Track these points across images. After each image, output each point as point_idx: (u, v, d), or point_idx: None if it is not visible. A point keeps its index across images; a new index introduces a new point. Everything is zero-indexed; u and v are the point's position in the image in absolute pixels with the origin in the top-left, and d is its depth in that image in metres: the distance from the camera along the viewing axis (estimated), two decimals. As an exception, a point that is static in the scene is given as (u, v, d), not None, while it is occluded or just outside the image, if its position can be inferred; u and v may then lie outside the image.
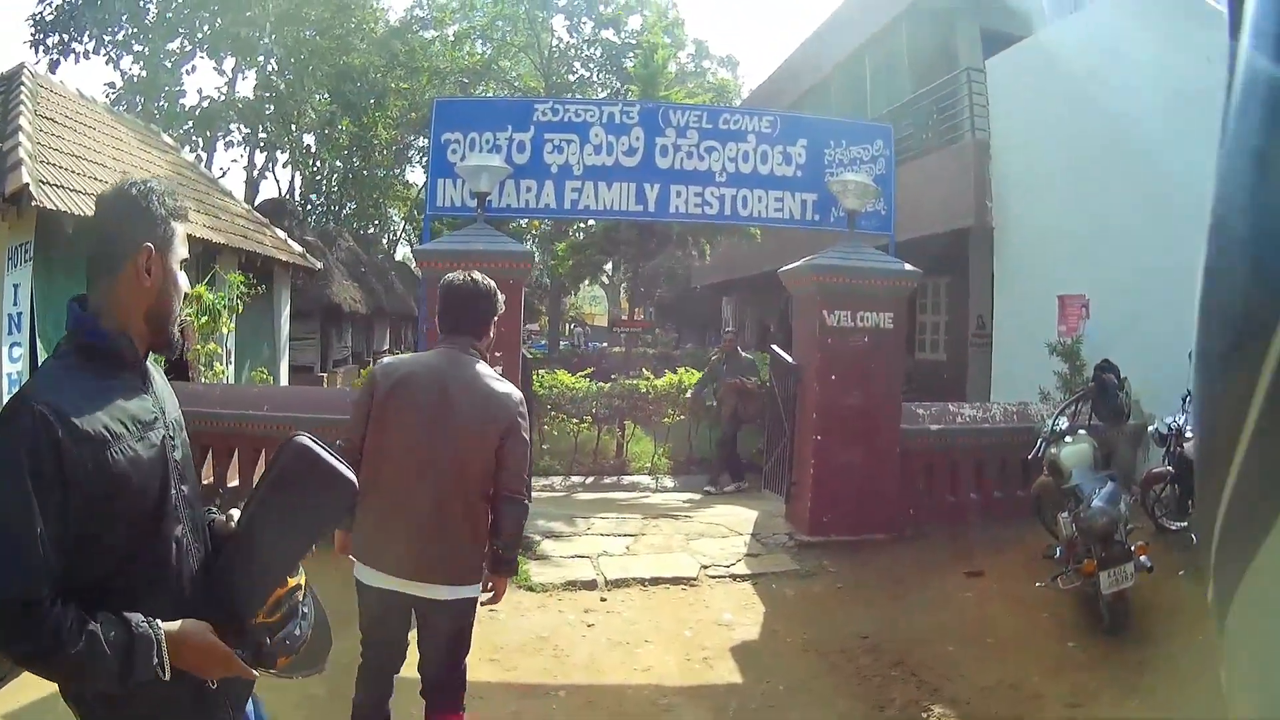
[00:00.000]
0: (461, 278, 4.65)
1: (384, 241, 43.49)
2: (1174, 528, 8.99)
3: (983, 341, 16.96)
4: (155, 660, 2.24)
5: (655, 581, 8.51)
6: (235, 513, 2.70)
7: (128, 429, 2.35)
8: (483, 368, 4.48)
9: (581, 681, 6.27)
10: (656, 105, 12.58)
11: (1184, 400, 9.09)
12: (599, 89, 27.70)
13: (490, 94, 29.51)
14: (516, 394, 4.43)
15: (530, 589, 8.22)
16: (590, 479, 13.28)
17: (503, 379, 4.50)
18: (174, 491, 2.48)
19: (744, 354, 14.11)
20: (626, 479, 13.37)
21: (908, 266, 10.21)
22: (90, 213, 10.41)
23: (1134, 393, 9.73)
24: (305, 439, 2.66)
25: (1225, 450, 0.97)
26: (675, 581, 8.63)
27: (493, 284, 4.73)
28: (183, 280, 2.58)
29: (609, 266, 22.85)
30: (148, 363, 2.59)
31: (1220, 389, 1.03)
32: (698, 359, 19.16)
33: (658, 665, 6.86)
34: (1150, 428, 9.80)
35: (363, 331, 29.85)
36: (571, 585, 8.35)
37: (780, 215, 11.50)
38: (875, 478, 9.74)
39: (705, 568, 8.96)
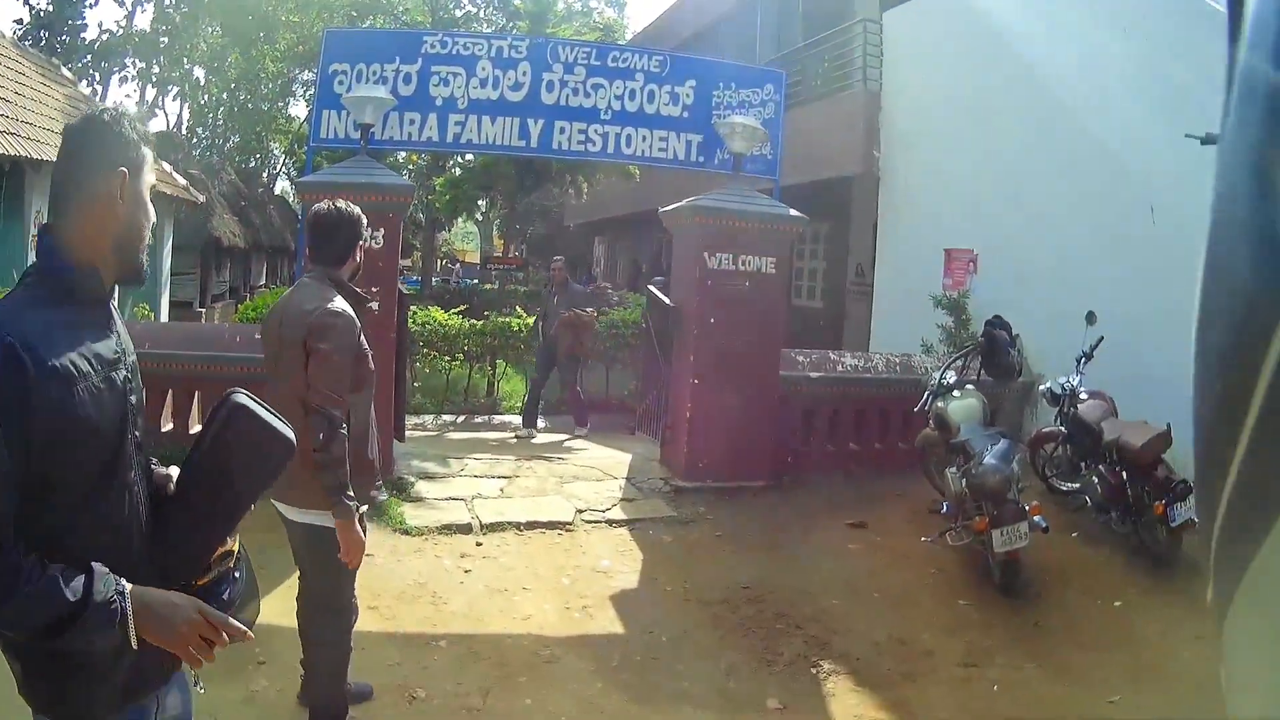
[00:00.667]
0: (325, 206, 4.64)
1: (264, 175, 42.87)
2: (1065, 489, 9.08)
3: (862, 290, 17.00)
4: (116, 616, 2.12)
5: (531, 526, 8.38)
6: (175, 470, 2.58)
7: (93, 367, 2.24)
8: (314, 290, 4.48)
9: (461, 631, 6.14)
10: (546, 40, 12.46)
11: (1078, 361, 9.14)
12: (485, 25, 27.40)
13: (379, 27, 29.22)
14: (320, 307, 4.34)
15: (406, 532, 8.04)
16: (462, 418, 13.08)
17: (323, 297, 4.42)
18: (130, 436, 2.37)
19: (575, 285, 13.75)
20: (498, 419, 13.19)
21: (793, 212, 10.12)
22: (3, 148, 9.90)
23: (1024, 350, 9.79)
24: (243, 396, 2.57)
25: (1225, 450, 0.97)
26: (551, 526, 8.51)
27: (355, 211, 4.68)
28: (150, 207, 2.43)
29: (484, 203, 22.61)
30: (112, 301, 2.43)
31: (1220, 389, 1.01)
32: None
33: (537, 614, 6.79)
34: (1041, 387, 9.75)
35: (241, 266, 29.38)
36: (447, 529, 8.19)
37: (664, 155, 11.44)
38: (753, 423, 9.64)
39: (581, 512, 8.87)
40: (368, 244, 9.02)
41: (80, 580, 2.08)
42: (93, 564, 2.12)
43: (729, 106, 11.45)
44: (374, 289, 8.69)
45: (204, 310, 23.87)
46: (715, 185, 10.66)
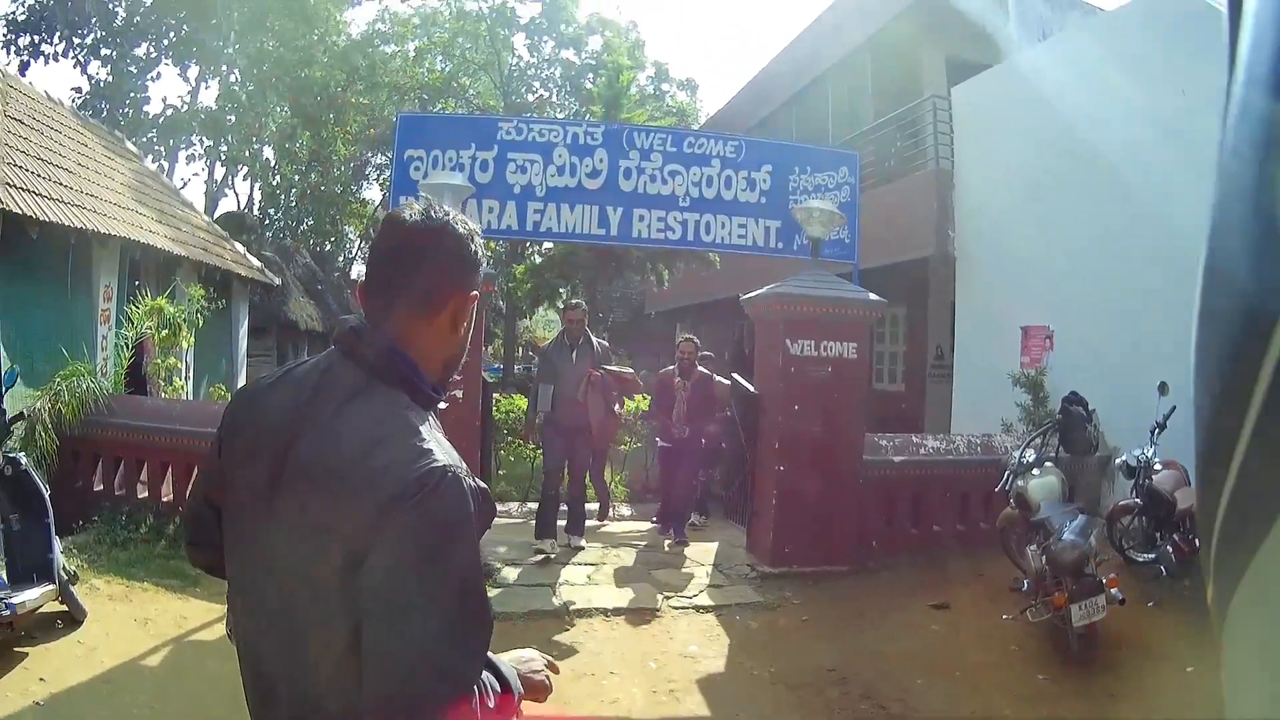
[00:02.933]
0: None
1: (340, 259, 43.10)
2: (1141, 559, 9.02)
3: (942, 372, 16.95)
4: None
5: (618, 611, 8.42)
6: None
7: None
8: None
9: (549, 714, 6.19)
10: (621, 127, 12.55)
11: (1152, 433, 9.12)
12: (558, 109, 27.72)
13: (449, 111, 29.45)
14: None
15: (494, 619, 7.97)
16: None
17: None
18: None
19: (600, 341, 11.16)
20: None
21: (872, 296, 10.17)
22: (70, 220, 10.02)
23: (1100, 424, 9.75)
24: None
25: (1225, 450, 0.98)
26: (638, 612, 8.54)
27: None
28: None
29: (564, 291, 22.73)
30: None
31: (1220, 389, 1.02)
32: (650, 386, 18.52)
33: (624, 698, 6.80)
34: (1117, 459, 9.72)
35: (318, 349, 29.12)
36: (534, 614, 8.24)
37: (744, 241, 11.49)
38: (837, 509, 9.68)
39: (668, 598, 8.89)
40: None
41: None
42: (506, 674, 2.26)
43: (805, 190, 11.54)
44: (456, 376, 9.03)
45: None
46: (794, 270, 10.69)
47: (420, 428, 2.04)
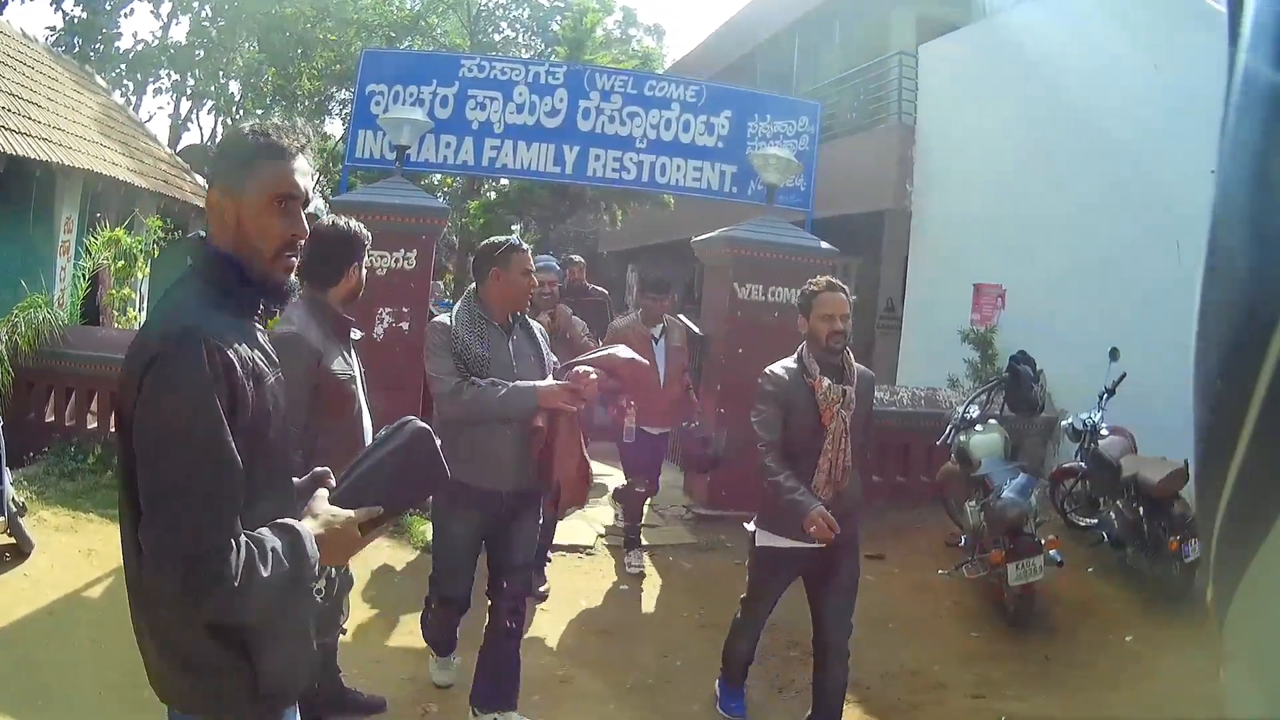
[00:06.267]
0: (322, 225, 4.64)
1: (295, 192, 42.89)
2: (1083, 524, 9.08)
3: (891, 324, 17.01)
4: (310, 555, 2.28)
5: (552, 548, 8.33)
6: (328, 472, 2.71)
7: (265, 364, 2.42)
8: (288, 314, 4.31)
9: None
10: (583, 68, 12.50)
11: (1100, 398, 9.16)
12: (523, 50, 27.42)
13: (417, 49, 29.25)
14: (276, 332, 3.93)
15: (426, 549, 7.99)
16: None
17: (287, 321, 4.37)
18: (287, 436, 2.56)
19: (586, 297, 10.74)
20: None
21: (825, 244, 10.22)
22: (36, 154, 10.03)
23: (1047, 386, 9.79)
24: (424, 424, 2.79)
25: (1225, 450, 0.99)
26: (572, 549, 8.58)
27: (353, 231, 4.69)
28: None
29: (517, 228, 22.59)
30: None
31: (1220, 389, 1.03)
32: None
33: (554, 634, 6.86)
34: (1063, 422, 9.75)
35: (274, 281, 29.26)
36: None
37: (698, 185, 11.43)
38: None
39: (602, 536, 8.92)
40: (388, 266, 9.26)
41: (288, 539, 2.24)
42: (296, 525, 2.29)
43: (764, 138, 11.48)
44: (404, 308, 9.19)
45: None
46: (748, 216, 10.72)
47: (194, 305, 2.30)
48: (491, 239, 5.32)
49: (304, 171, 2.45)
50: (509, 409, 4.90)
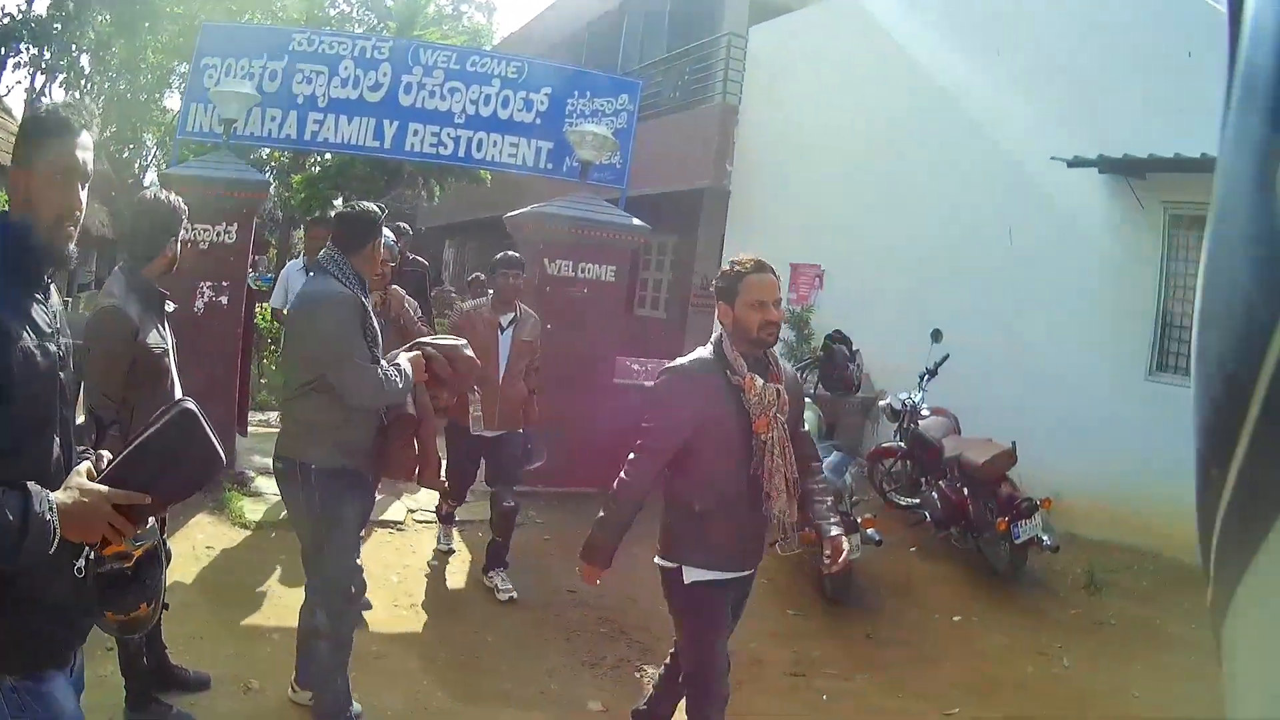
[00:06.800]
0: (139, 199, 4.83)
1: (135, 165, 42.19)
2: (904, 504, 9.33)
3: (706, 302, 16.82)
4: (50, 530, 2.27)
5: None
6: (106, 455, 2.68)
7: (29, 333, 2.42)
8: (107, 286, 4.66)
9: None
10: (409, 43, 12.36)
11: (921, 378, 9.34)
12: (356, 25, 27.22)
13: (257, 23, 28.83)
14: (96, 305, 4.41)
15: (245, 527, 8.03)
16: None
17: (105, 295, 4.61)
18: (58, 412, 2.53)
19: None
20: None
21: (636, 221, 10.30)
22: None
23: (864, 366, 9.98)
24: (192, 405, 2.72)
25: (1225, 450, 0.98)
26: (383, 525, 8.52)
27: (170, 205, 4.68)
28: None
29: (338, 202, 22.36)
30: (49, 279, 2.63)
31: (1220, 389, 1.01)
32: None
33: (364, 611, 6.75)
34: (882, 402, 9.89)
35: (110, 257, 28.61)
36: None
37: (514, 160, 11.45)
38: (587, 431, 9.43)
39: (412, 512, 8.92)
40: (209, 240, 9.08)
41: (17, 498, 2.22)
42: (28, 483, 2.27)
43: (582, 115, 11.55)
44: (224, 282, 9.09)
45: (69, 300, 23.55)
46: (564, 193, 10.75)
47: None
48: (366, 206, 4.97)
49: (85, 147, 2.54)
50: (406, 391, 4.83)
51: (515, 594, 7.26)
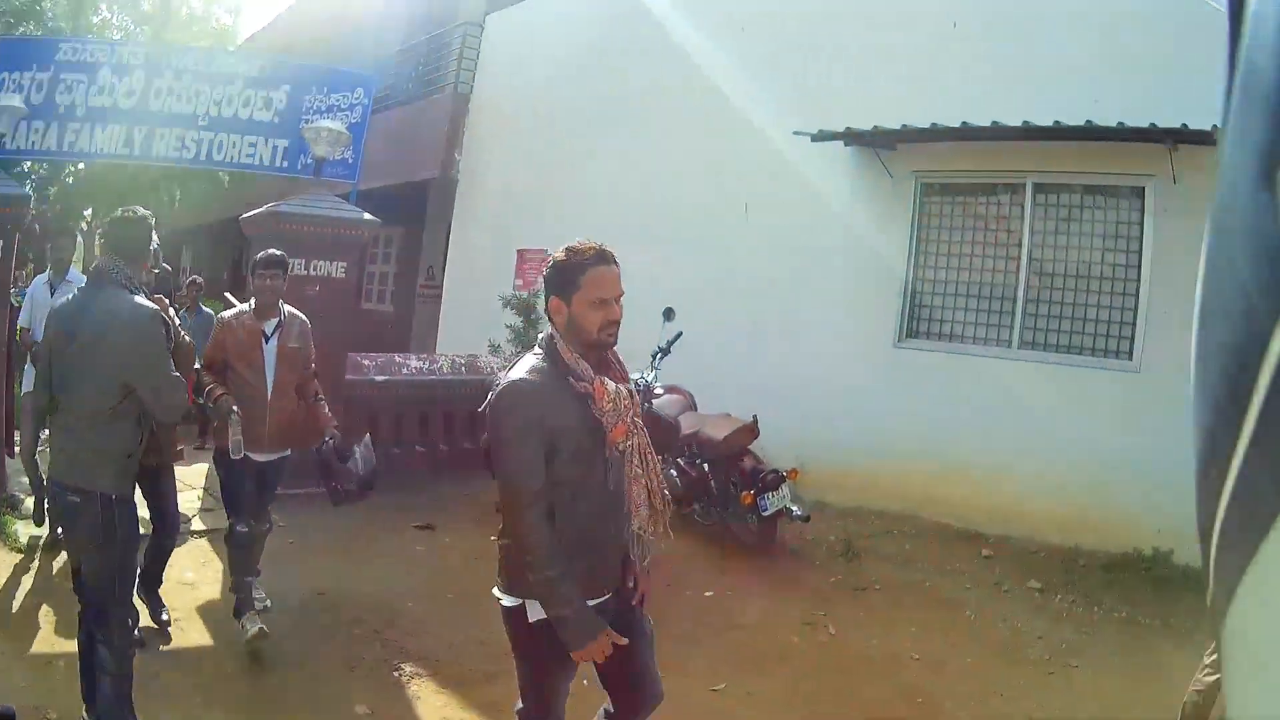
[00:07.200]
0: None
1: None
2: None
3: (432, 293, 17.40)
4: None
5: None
6: None
7: None
8: None
9: (73, 650, 5.41)
10: (164, 47, 12.87)
11: (654, 357, 9.25)
12: (115, 31, 27.11)
13: (30, 35, 28.36)
14: None
15: (20, 550, 7.75)
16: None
17: None
18: None
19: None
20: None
21: (367, 216, 10.23)
22: None
23: None
24: None
25: (1225, 450, 0.93)
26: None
27: None
28: None
29: (88, 213, 22.59)
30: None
31: (1220, 389, 0.95)
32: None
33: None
34: None
35: None
36: (58, 545, 7.43)
37: (251, 160, 11.94)
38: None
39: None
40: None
41: None
42: None
43: (318, 110, 12.09)
44: None
45: None
46: (300, 190, 10.85)
47: None
48: (140, 211, 5.08)
49: None
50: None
51: (269, 602, 6.82)
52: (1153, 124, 8.21)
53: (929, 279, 10.30)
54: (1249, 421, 0.85)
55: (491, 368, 10.67)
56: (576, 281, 3.69)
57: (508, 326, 12.20)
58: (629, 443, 3.75)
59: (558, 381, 3.63)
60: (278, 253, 6.82)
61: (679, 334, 9.33)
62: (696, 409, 9.25)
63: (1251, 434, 0.85)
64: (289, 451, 6.86)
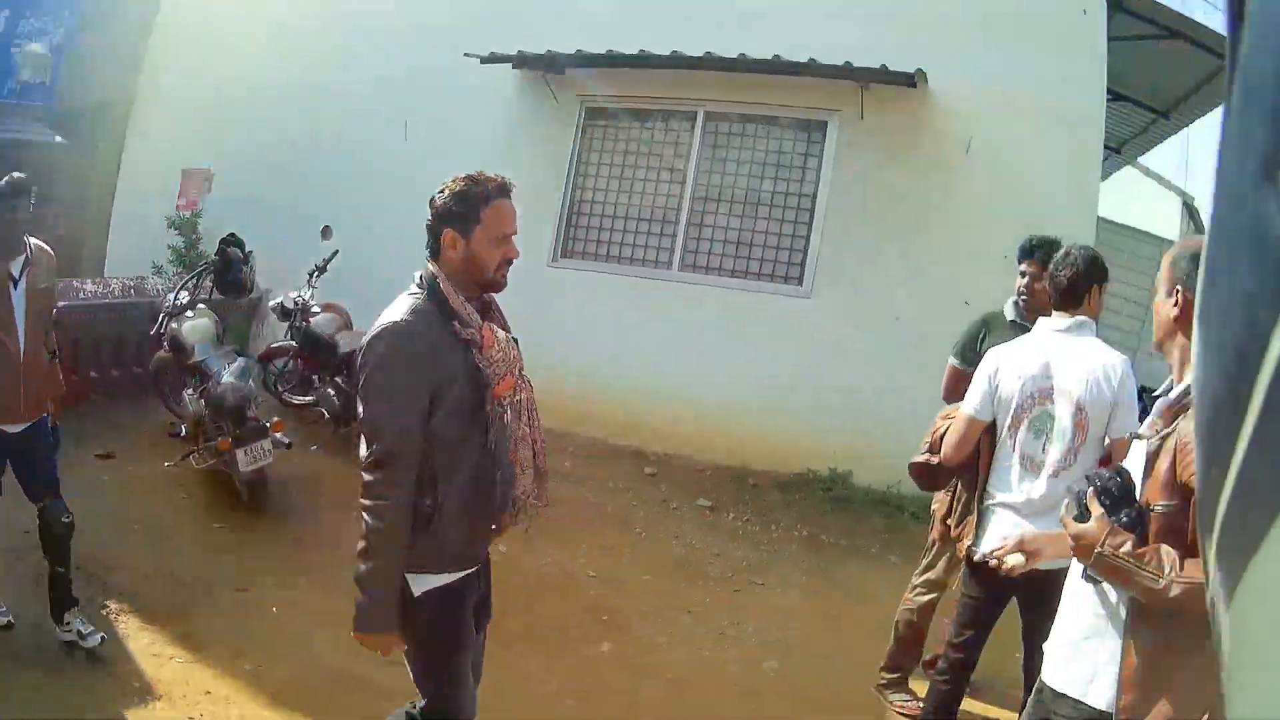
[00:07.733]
0: None
1: None
2: (299, 402, 9.32)
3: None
4: None
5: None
6: None
7: None
8: None
9: None
10: None
11: (310, 275, 9.20)
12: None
13: None
14: None
15: None
16: None
17: None
18: None
19: None
20: None
21: (59, 139, 10.45)
22: None
23: (256, 266, 9.34)
24: None
25: (1225, 450, 0.90)
26: None
27: None
28: None
29: None
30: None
31: (1220, 388, 0.93)
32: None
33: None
34: (271, 302, 9.54)
35: None
36: None
37: None
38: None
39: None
40: None
41: None
42: None
43: (27, 35, 11.97)
44: None
45: None
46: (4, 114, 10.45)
47: None
48: None
49: None
50: None
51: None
52: (847, 62, 8.86)
53: (588, 200, 10.67)
54: (1249, 421, 0.85)
55: (159, 290, 10.33)
56: (477, 214, 3.30)
57: (169, 247, 12.16)
58: (517, 397, 3.44)
59: (441, 326, 3.26)
60: (20, 175, 5.23)
61: (335, 252, 9.23)
62: (352, 327, 9.19)
63: (1252, 433, 0.85)
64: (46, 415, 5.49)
